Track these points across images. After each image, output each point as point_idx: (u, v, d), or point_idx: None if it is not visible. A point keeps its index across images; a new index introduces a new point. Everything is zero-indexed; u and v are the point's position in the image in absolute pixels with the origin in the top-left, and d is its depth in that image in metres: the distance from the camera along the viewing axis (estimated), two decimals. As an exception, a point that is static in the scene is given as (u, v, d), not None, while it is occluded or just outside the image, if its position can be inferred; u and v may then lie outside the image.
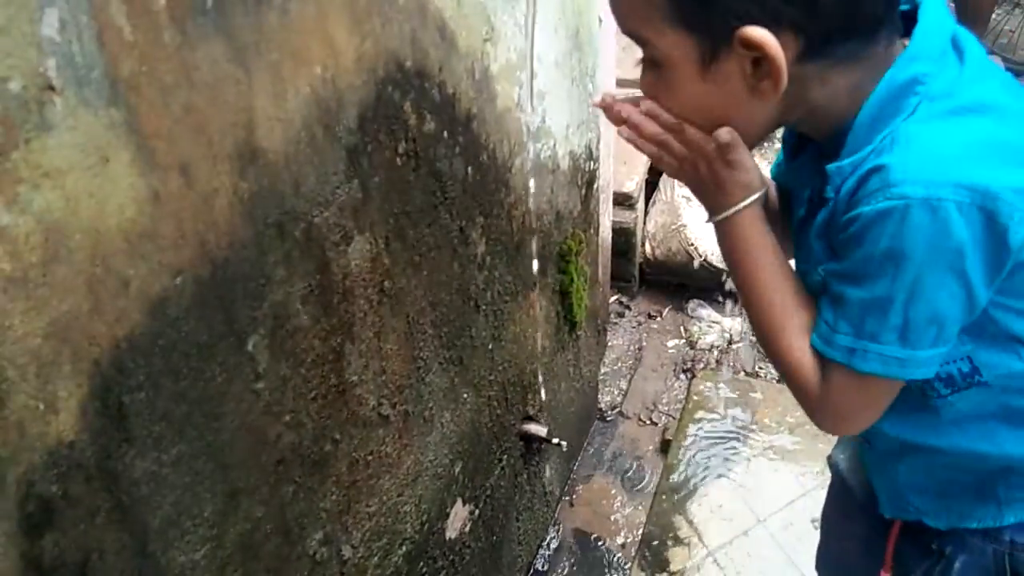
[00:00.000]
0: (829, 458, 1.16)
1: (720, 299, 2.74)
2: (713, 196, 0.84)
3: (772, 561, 1.91)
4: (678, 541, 1.99)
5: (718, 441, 2.22)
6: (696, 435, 2.24)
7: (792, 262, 0.88)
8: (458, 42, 1.12)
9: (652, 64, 0.77)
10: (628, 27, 0.76)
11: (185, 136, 0.70)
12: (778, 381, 2.42)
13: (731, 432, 2.24)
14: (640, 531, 2.05)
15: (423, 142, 1.09)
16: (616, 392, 2.47)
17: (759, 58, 0.70)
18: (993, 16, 3.66)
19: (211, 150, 0.74)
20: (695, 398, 2.35)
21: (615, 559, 2.04)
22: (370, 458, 1.12)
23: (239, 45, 0.74)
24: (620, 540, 2.08)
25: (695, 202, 2.77)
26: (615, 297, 2.76)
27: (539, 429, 1.73)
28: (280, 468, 0.93)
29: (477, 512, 1.55)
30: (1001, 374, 0.80)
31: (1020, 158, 0.70)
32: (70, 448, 0.65)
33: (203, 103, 0.71)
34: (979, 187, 0.67)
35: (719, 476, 2.13)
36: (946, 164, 0.69)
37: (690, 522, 2.02)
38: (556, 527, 2.09)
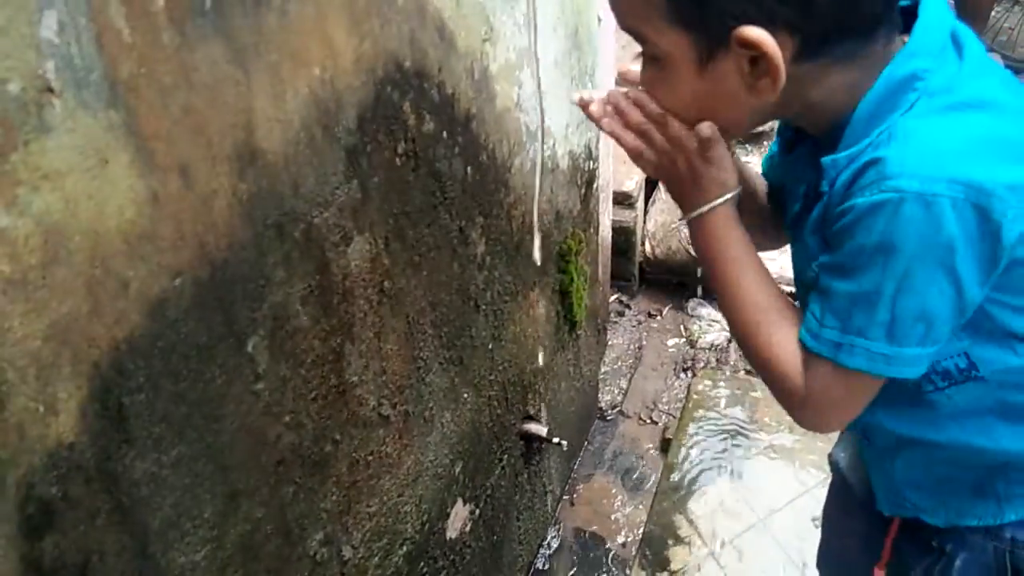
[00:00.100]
0: (830, 456, 1.16)
1: (720, 298, 2.74)
2: (689, 192, 0.84)
3: (773, 559, 1.91)
4: (679, 540, 1.99)
5: (718, 440, 2.22)
6: (696, 434, 2.24)
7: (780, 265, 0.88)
8: (457, 42, 1.12)
9: (651, 60, 0.78)
10: (627, 24, 0.77)
11: (184, 137, 0.70)
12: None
13: (731, 431, 2.24)
14: (641, 530, 2.05)
15: (422, 142, 1.09)
16: (616, 391, 2.47)
17: (756, 57, 0.70)
18: (992, 13, 3.66)
19: (210, 151, 0.74)
20: (695, 397, 2.35)
21: (616, 558, 2.04)
22: (370, 458, 1.12)
23: (238, 46, 0.74)
24: (621, 539, 2.08)
25: (695, 201, 2.78)
26: (615, 296, 2.76)
27: (539, 428, 1.73)
28: (280, 469, 0.93)
29: (478, 512, 1.55)
30: (998, 369, 0.80)
31: (1017, 154, 0.70)
32: (70, 450, 0.65)
33: (202, 104, 0.71)
34: (974, 183, 0.67)
35: (719, 475, 2.13)
36: (942, 159, 0.69)
37: (691, 521, 2.02)
38: (557, 526, 2.09)
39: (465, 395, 1.40)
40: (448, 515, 1.42)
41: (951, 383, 0.82)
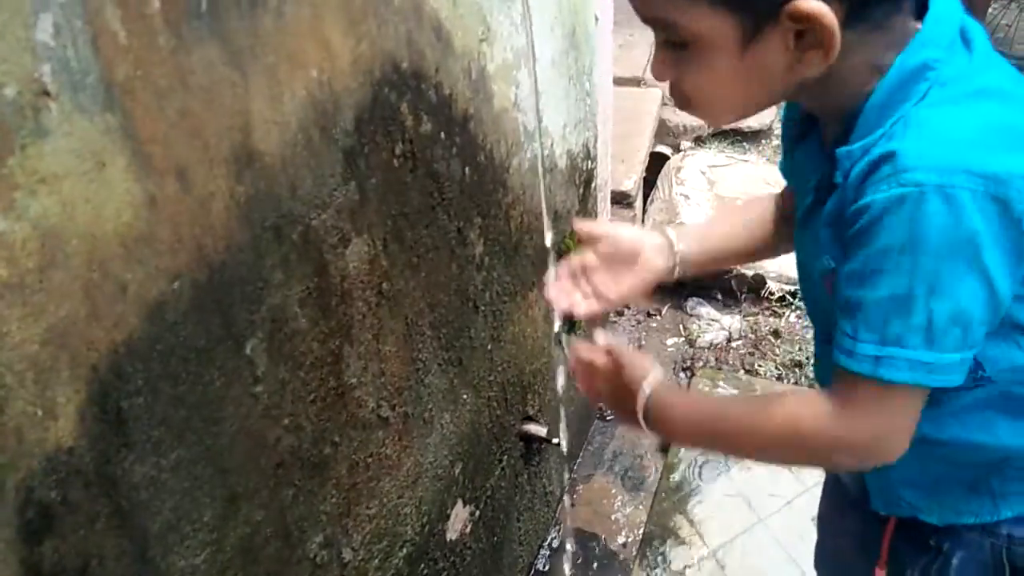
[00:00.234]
0: None
1: (719, 297, 2.74)
2: (623, 402, 0.91)
3: (773, 559, 1.91)
4: (679, 540, 1.98)
5: (718, 439, 2.21)
6: (696, 433, 2.24)
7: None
8: (454, 43, 1.12)
9: (674, 47, 0.75)
10: (653, 12, 0.74)
11: (181, 140, 0.70)
12: (778, 379, 2.42)
13: (731, 430, 2.24)
14: (641, 530, 2.05)
15: (420, 143, 1.08)
16: (616, 391, 2.47)
17: (802, 30, 0.69)
18: (989, 11, 3.67)
19: (207, 154, 0.73)
20: (695, 396, 2.34)
21: (616, 559, 2.04)
22: (370, 460, 1.12)
23: (234, 48, 0.74)
24: (621, 540, 2.08)
25: (693, 200, 2.78)
26: (614, 296, 2.75)
27: (539, 429, 1.73)
28: (280, 471, 0.93)
29: (478, 513, 1.54)
30: (1003, 368, 0.80)
31: None
32: (69, 454, 0.65)
33: (199, 107, 0.71)
34: (990, 174, 0.67)
35: (719, 475, 2.13)
36: (958, 150, 0.68)
37: (691, 521, 2.02)
38: (557, 527, 2.09)
39: (464, 396, 1.40)
40: (448, 516, 1.42)
41: (961, 386, 0.82)
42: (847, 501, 1.06)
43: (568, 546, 2.06)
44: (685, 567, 1.93)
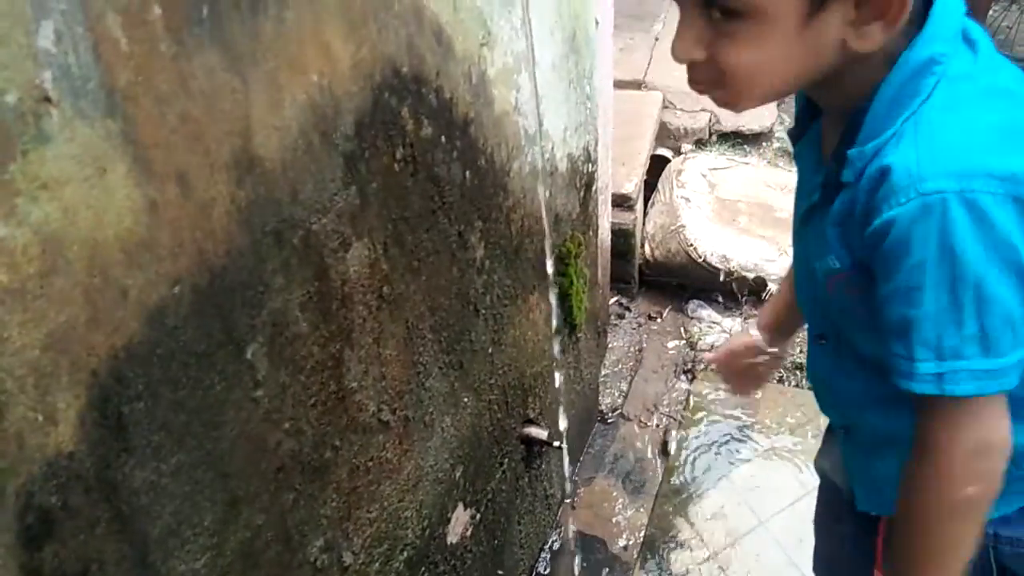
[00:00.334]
0: (815, 464, 1.16)
1: (720, 299, 2.74)
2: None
3: (774, 562, 1.91)
4: (680, 543, 1.98)
5: (719, 442, 2.22)
6: (697, 436, 2.24)
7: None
8: (455, 47, 1.12)
9: (725, 17, 0.70)
10: None
11: (182, 145, 0.70)
12: (778, 381, 2.42)
13: (732, 433, 2.24)
14: (642, 533, 2.05)
15: (421, 147, 1.09)
16: (617, 394, 2.47)
17: (862, 1, 0.68)
18: (990, 13, 3.67)
19: (208, 159, 0.74)
20: (695, 399, 2.35)
21: (617, 562, 2.04)
22: (370, 464, 1.12)
23: (235, 54, 0.74)
24: (622, 543, 2.08)
25: (694, 203, 2.78)
26: (615, 299, 2.76)
27: (540, 432, 1.73)
28: (280, 475, 0.93)
29: (478, 516, 1.54)
30: None
31: None
32: (69, 459, 0.65)
33: (200, 112, 0.71)
34: (1008, 175, 0.67)
35: (720, 477, 2.13)
36: (974, 153, 0.68)
37: (692, 524, 2.02)
38: (558, 530, 2.09)
39: (465, 399, 1.40)
40: (449, 520, 1.42)
41: None
42: (841, 504, 1.06)
43: (569, 549, 2.06)
44: (686, 570, 1.92)
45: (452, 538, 1.45)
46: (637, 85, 3.15)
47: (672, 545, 1.98)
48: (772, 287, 2.61)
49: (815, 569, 1.27)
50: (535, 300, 1.63)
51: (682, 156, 3.05)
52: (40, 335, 0.61)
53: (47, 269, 0.61)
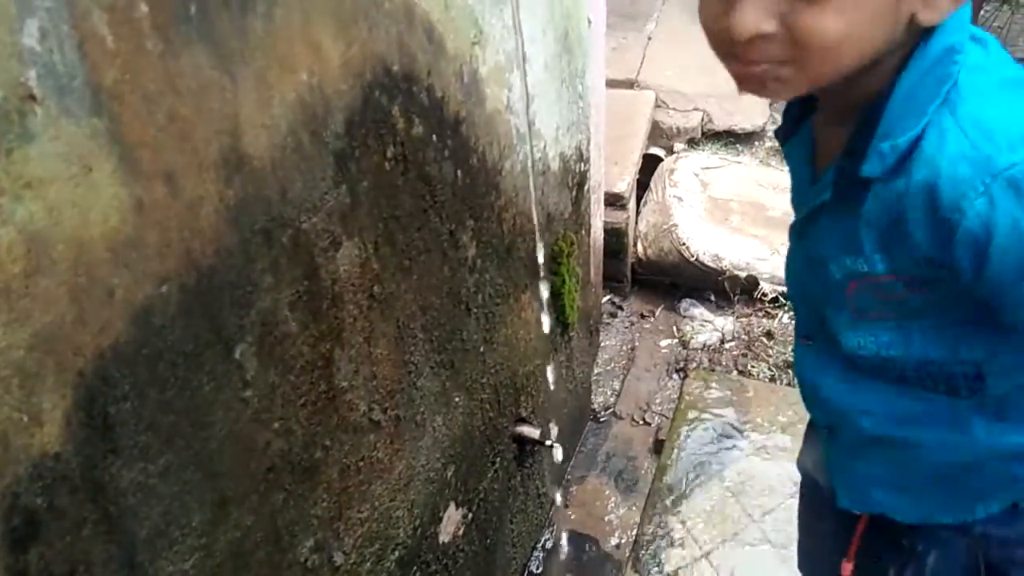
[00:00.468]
0: (798, 463, 1.17)
1: (712, 298, 2.74)
2: None
3: (765, 561, 1.91)
4: (672, 542, 1.99)
5: (711, 441, 2.22)
6: (689, 435, 2.24)
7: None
8: (446, 45, 1.12)
9: None
10: None
11: (169, 144, 0.70)
12: (771, 380, 2.43)
13: (724, 432, 2.24)
14: (634, 532, 2.05)
15: (412, 146, 1.08)
16: (609, 393, 2.47)
17: None
18: (982, 13, 3.68)
19: (196, 158, 0.73)
20: (688, 398, 2.35)
21: (610, 560, 2.04)
22: (361, 464, 1.12)
23: (224, 52, 0.74)
24: (614, 541, 2.08)
25: (686, 202, 2.78)
26: (607, 297, 2.76)
27: (532, 431, 1.73)
28: (270, 476, 0.92)
29: (470, 515, 1.54)
30: (1003, 382, 0.80)
31: None
32: (55, 460, 0.65)
33: (187, 111, 0.71)
34: None
35: (712, 476, 2.13)
36: (1022, 123, 0.68)
37: (683, 523, 2.02)
38: (550, 529, 2.09)
39: (457, 399, 1.40)
40: (441, 519, 1.42)
41: (951, 390, 0.81)
42: (823, 502, 1.06)
43: (561, 548, 2.06)
44: (678, 568, 1.93)
45: (444, 537, 1.44)
46: (630, 84, 3.15)
47: (664, 543, 1.98)
48: (764, 286, 2.62)
49: (799, 566, 1.27)
50: (527, 299, 1.63)
51: (675, 155, 3.06)
52: (25, 335, 0.61)
53: (32, 268, 0.60)
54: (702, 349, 2.59)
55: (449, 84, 1.15)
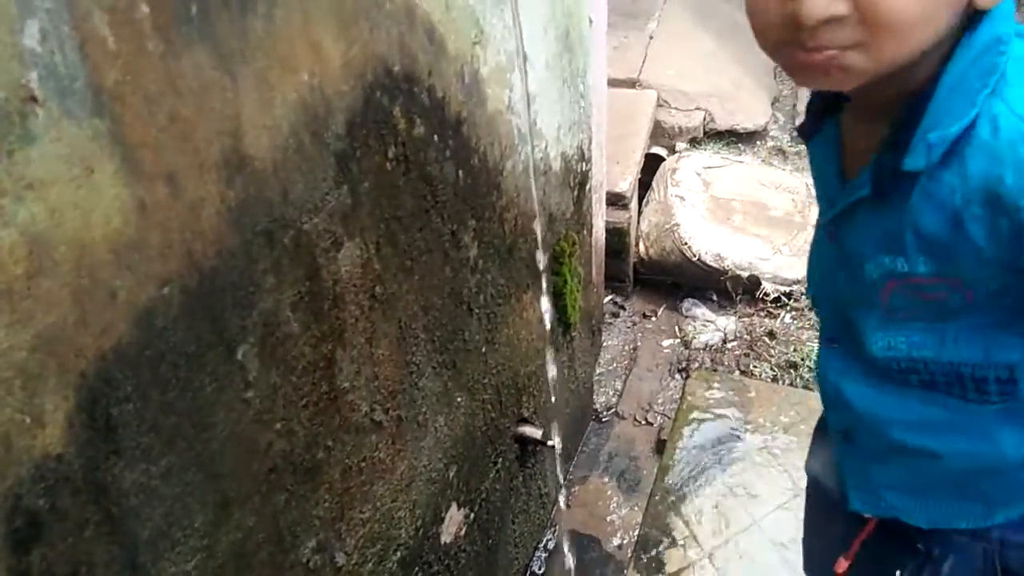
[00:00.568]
0: (806, 468, 1.16)
1: (714, 298, 2.74)
2: None
3: (767, 561, 1.91)
4: (674, 542, 1.98)
5: (713, 441, 2.22)
6: (691, 435, 2.24)
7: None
8: (447, 45, 1.12)
9: None
10: None
11: (171, 145, 0.70)
12: (773, 380, 2.43)
13: (726, 432, 2.24)
14: (636, 532, 2.05)
15: (413, 146, 1.08)
16: (611, 393, 2.47)
17: None
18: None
19: (197, 158, 0.73)
20: (690, 398, 2.35)
21: (611, 560, 2.04)
22: (363, 464, 1.12)
23: (224, 52, 0.74)
24: (616, 541, 2.08)
25: (688, 201, 2.78)
26: (609, 297, 2.76)
27: (534, 431, 1.73)
28: (272, 476, 0.92)
29: (472, 516, 1.54)
30: None
31: None
32: (57, 461, 0.65)
33: (189, 111, 0.71)
34: None
35: (714, 476, 2.13)
36: None
37: (686, 523, 2.02)
38: (552, 529, 2.09)
39: (459, 399, 1.39)
40: (442, 520, 1.42)
41: (981, 395, 0.80)
42: (832, 505, 1.05)
43: (563, 548, 2.06)
44: (680, 569, 1.93)
45: (446, 538, 1.44)
46: (631, 83, 3.15)
47: (666, 544, 1.98)
48: (766, 285, 2.62)
49: (805, 568, 1.27)
50: (529, 299, 1.63)
51: (677, 155, 3.05)
52: (27, 337, 0.61)
53: (34, 270, 0.60)
54: (704, 349, 2.59)
55: (450, 84, 1.15)
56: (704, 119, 3.20)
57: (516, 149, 1.43)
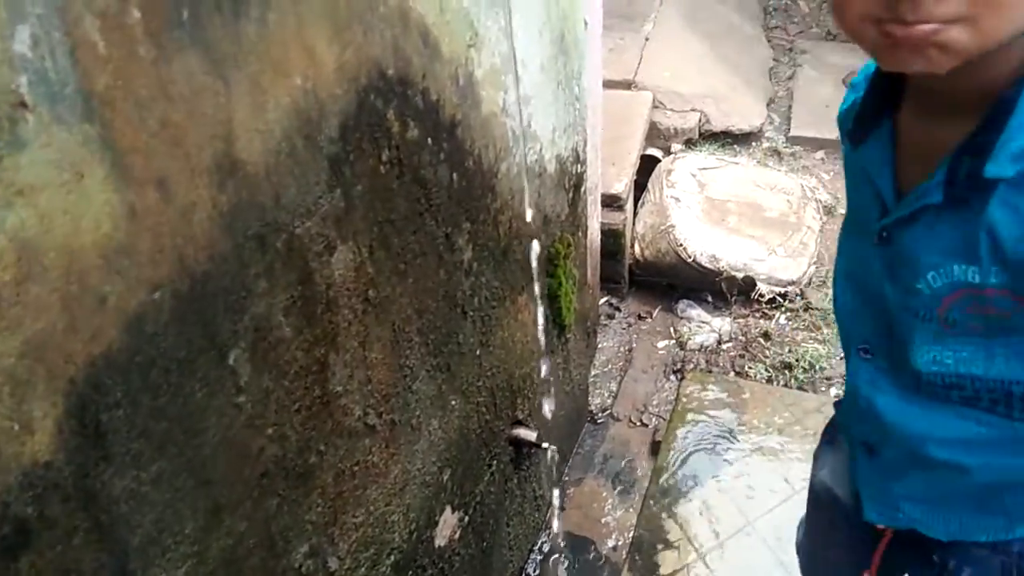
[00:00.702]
0: (812, 472, 1.15)
1: (710, 299, 2.74)
2: None
3: (761, 563, 1.91)
4: (668, 544, 1.98)
5: (708, 442, 2.22)
6: (686, 437, 2.24)
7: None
8: (441, 48, 1.12)
9: None
10: None
11: (162, 150, 0.69)
12: (768, 381, 2.43)
13: (720, 433, 2.24)
14: (631, 534, 2.05)
15: (407, 149, 1.08)
16: (606, 394, 2.47)
17: None
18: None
19: (189, 163, 0.73)
20: (684, 399, 2.35)
21: (606, 562, 2.04)
22: (356, 468, 1.11)
23: (216, 57, 0.73)
24: (611, 543, 2.08)
25: (683, 203, 2.78)
26: (605, 299, 2.75)
27: (528, 434, 1.73)
28: (264, 481, 0.92)
29: (467, 519, 1.54)
30: None
31: None
32: (46, 468, 0.64)
33: (180, 116, 0.71)
34: None
35: (709, 478, 2.13)
36: None
37: (680, 524, 2.02)
38: (547, 531, 2.08)
39: (453, 402, 1.39)
40: (436, 523, 1.41)
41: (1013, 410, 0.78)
42: (839, 512, 1.04)
43: (558, 550, 2.06)
44: (675, 570, 1.93)
45: (440, 541, 1.44)
46: (627, 85, 3.15)
47: (661, 545, 1.98)
48: (761, 287, 2.62)
49: (803, 570, 1.27)
50: (523, 301, 1.63)
51: (672, 156, 3.05)
52: (16, 343, 0.60)
53: (23, 276, 0.60)
54: (699, 350, 2.59)
55: (444, 87, 1.15)
56: (699, 120, 3.20)
57: (510, 152, 1.43)
